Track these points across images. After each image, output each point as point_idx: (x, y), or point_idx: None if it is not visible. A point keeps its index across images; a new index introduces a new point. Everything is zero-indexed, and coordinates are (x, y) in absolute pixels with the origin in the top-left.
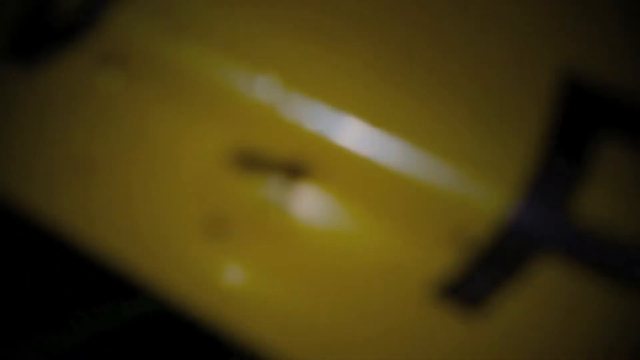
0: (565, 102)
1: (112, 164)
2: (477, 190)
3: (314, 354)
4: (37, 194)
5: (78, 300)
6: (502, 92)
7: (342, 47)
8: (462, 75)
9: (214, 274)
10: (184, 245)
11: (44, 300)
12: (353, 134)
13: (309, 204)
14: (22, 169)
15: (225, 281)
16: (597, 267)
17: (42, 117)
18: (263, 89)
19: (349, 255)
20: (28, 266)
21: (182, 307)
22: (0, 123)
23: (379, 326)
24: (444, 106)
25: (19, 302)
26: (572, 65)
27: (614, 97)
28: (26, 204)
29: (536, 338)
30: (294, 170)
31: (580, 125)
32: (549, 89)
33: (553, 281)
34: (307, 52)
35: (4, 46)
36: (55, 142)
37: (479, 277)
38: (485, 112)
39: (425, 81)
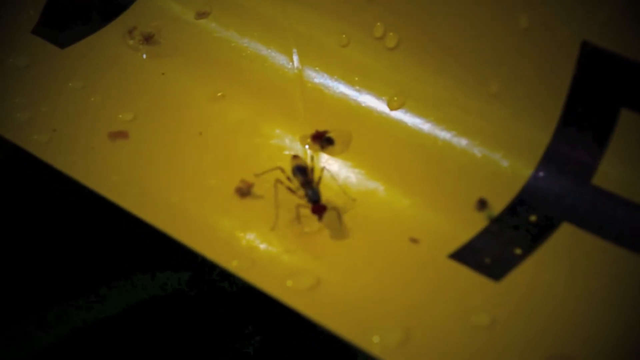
0: (585, 74)
1: (144, 132)
2: (500, 161)
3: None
4: (76, 162)
5: (105, 274)
6: (524, 68)
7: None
8: (480, 52)
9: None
10: (214, 208)
11: (71, 273)
12: (381, 108)
13: (335, 171)
14: (62, 138)
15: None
16: (613, 235)
17: (76, 87)
18: (287, 64)
19: (377, 221)
20: (58, 237)
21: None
22: (36, 93)
23: (404, 290)
24: (464, 81)
25: (46, 274)
26: (591, 40)
27: (632, 68)
28: (68, 172)
29: (552, 300)
30: (321, 139)
31: (599, 97)
32: (567, 62)
33: (571, 248)
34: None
35: (39, 20)
36: (90, 111)
37: (501, 243)
38: (507, 87)
39: (448, 58)
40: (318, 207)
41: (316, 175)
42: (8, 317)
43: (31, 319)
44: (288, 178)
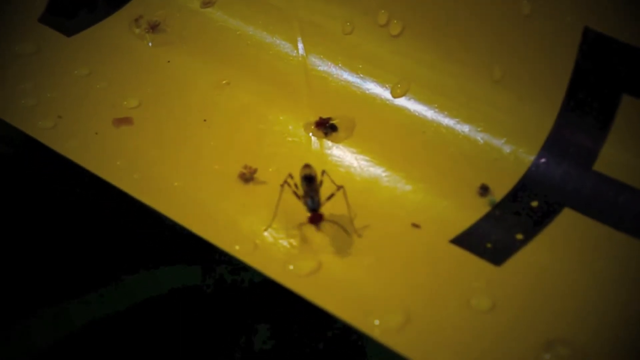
0: (587, 60)
1: (148, 118)
2: (502, 147)
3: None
4: (80, 148)
5: (110, 271)
6: (527, 54)
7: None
8: (483, 39)
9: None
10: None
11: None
12: (385, 95)
13: (339, 157)
14: (66, 124)
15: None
16: (614, 220)
17: (81, 74)
18: (291, 52)
19: (379, 206)
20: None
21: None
22: (42, 80)
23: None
24: (467, 68)
25: (44, 271)
26: (593, 26)
27: (633, 54)
28: (72, 158)
29: (553, 285)
30: (325, 126)
31: (601, 83)
32: (569, 48)
33: (572, 233)
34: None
35: (46, 9)
36: (95, 98)
37: (503, 228)
38: (510, 74)
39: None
40: (314, 216)
41: (329, 189)
42: (8, 317)
43: (32, 320)
44: (295, 185)
